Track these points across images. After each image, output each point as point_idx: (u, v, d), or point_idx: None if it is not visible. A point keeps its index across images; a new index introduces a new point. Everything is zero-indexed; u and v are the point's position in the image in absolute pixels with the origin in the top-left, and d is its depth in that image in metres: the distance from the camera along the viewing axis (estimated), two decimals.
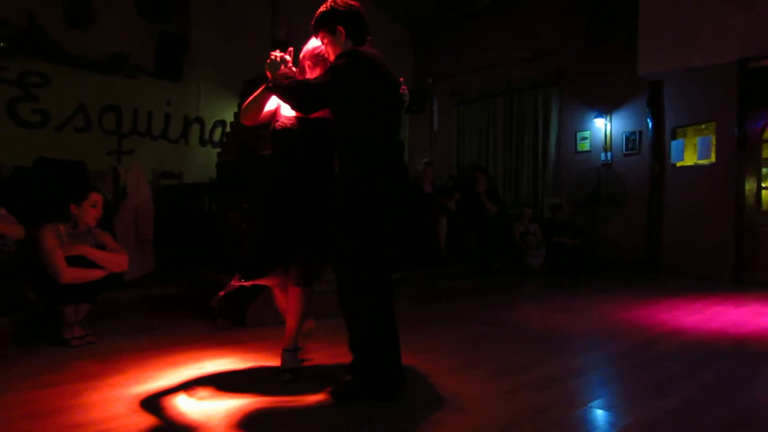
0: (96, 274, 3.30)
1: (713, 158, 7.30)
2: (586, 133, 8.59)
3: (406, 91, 2.60)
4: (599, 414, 2.27)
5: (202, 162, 7.79)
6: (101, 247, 3.43)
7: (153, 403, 2.29)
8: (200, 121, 8.14)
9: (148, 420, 2.12)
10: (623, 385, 2.73)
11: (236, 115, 5.50)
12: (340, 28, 2.46)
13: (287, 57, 2.47)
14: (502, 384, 2.61)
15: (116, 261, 3.42)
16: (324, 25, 2.50)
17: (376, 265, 2.37)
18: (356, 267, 2.37)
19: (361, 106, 2.38)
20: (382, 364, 2.36)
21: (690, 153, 7.60)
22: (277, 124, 2.64)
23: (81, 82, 6.95)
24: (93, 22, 6.98)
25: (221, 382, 2.57)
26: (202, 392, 2.44)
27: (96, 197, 3.41)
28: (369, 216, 2.36)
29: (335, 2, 2.49)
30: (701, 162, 7.45)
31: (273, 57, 2.44)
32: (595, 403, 2.39)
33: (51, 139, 6.70)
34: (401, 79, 2.57)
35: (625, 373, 2.91)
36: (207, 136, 8.21)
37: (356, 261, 2.36)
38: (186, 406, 2.28)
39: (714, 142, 7.31)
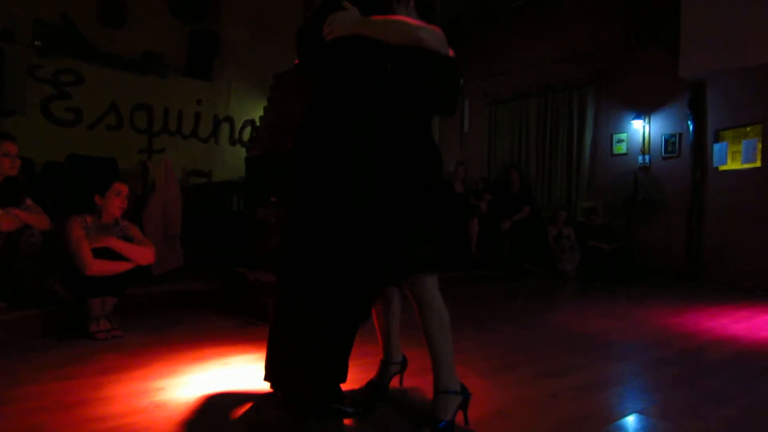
0: (122, 266, 3.24)
1: (759, 162, 6.99)
2: (623, 136, 8.32)
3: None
4: (649, 423, 2.09)
5: (231, 161, 7.80)
6: (129, 239, 3.37)
7: (176, 397, 2.19)
8: (230, 121, 8.14)
9: (170, 414, 2.02)
10: (673, 393, 2.53)
11: (266, 110, 5.44)
12: None
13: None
14: (542, 388, 2.45)
15: (143, 253, 3.35)
16: None
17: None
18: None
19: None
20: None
21: (733, 157, 7.30)
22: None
23: (113, 80, 7.01)
24: (126, 21, 7.03)
25: (246, 379, 2.47)
26: (227, 388, 2.34)
27: (119, 187, 3.35)
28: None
29: None
30: (745, 166, 7.13)
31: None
32: (644, 410, 2.21)
33: (83, 137, 6.76)
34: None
35: (673, 380, 2.71)
36: (236, 135, 8.22)
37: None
38: (210, 401, 2.18)
39: (760, 146, 7.00)
